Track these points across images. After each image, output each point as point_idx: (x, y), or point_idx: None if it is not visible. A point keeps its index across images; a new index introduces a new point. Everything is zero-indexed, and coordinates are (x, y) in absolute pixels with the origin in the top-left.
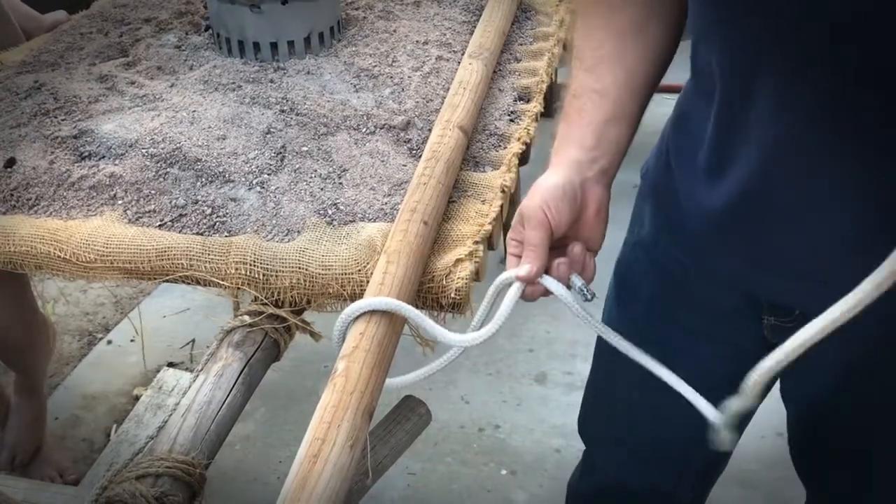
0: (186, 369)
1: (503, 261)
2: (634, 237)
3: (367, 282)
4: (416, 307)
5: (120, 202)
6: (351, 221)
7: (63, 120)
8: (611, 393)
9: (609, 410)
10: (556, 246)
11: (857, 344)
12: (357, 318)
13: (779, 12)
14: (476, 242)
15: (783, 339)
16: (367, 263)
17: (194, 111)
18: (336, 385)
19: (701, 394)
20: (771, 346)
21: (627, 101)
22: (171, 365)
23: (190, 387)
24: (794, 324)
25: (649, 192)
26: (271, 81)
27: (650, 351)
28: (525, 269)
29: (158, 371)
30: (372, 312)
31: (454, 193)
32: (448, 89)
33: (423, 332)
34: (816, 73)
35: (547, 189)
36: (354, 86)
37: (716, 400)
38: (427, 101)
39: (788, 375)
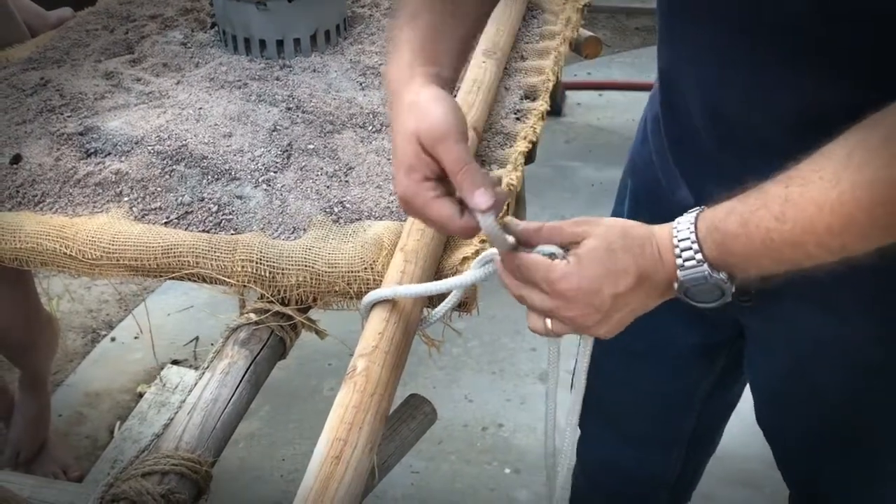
0: (190, 367)
1: None
2: (617, 209)
3: (374, 280)
4: (425, 306)
5: (126, 199)
6: (357, 219)
7: (69, 117)
8: (594, 367)
9: (594, 383)
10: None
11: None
12: (376, 304)
13: None
14: (482, 241)
15: (743, 317)
16: (374, 261)
17: (200, 108)
18: (357, 385)
19: (665, 362)
20: (726, 324)
21: (475, 20)
22: (174, 362)
23: (196, 384)
24: (750, 302)
25: (629, 166)
26: (277, 79)
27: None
28: (488, 197)
29: (162, 368)
30: (391, 311)
31: None
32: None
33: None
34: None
35: (454, 110)
36: (360, 84)
37: (679, 370)
38: None
39: (749, 357)
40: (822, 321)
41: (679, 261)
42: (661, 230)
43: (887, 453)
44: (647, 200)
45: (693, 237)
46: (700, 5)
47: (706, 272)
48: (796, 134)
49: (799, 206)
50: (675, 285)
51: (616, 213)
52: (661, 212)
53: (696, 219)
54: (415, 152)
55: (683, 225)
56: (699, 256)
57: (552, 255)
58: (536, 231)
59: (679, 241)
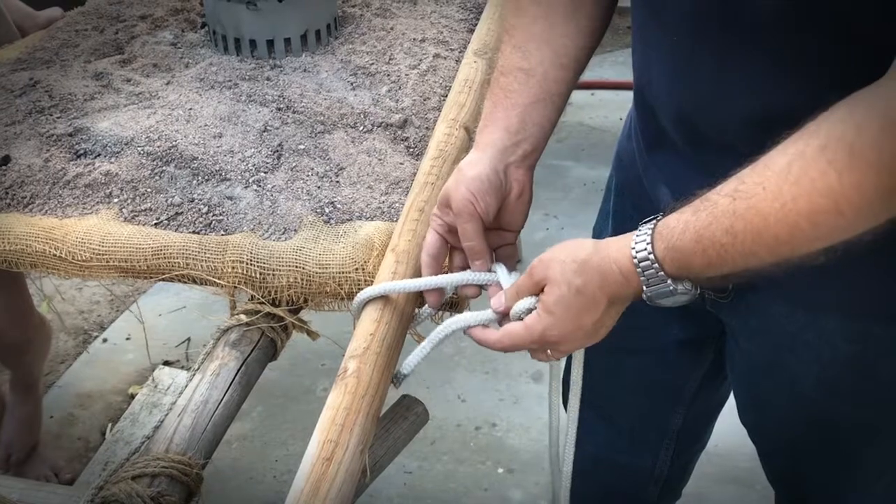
0: (182, 368)
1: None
2: (604, 205)
3: (365, 281)
4: (417, 305)
5: (116, 200)
6: (348, 220)
7: (58, 118)
8: (585, 363)
9: (584, 378)
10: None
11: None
12: (367, 303)
13: None
14: None
15: (721, 313)
16: (366, 262)
17: (190, 109)
18: (348, 386)
19: (653, 357)
20: (712, 319)
21: (554, 81)
22: (166, 363)
23: (186, 386)
24: (727, 299)
25: (616, 162)
26: (268, 79)
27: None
28: (478, 264)
29: (154, 369)
30: (382, 311)
31: None
32: (445, 87)
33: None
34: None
35: (472, 181)
36: (351, 83)
37: (667, 365)
38: (424, 99)
39: (729, 353)
40: (794, 315)
41: (643, 278)
42: (618, 252)
43: (863, 447)
44: (631, 196)
45: (652, 257)
46: (668, 6)
47: (671, 286)
48: (766, 134)
49: (746, 219)
50: (644, 297)
51: (603, 210)
52: (644, 207)
53: (653, 236)
54: (443, 210)
55: (641, 245)
56: (661, 274)
57: (528, 311)
58: (511, 299)
59: (639, 261)
